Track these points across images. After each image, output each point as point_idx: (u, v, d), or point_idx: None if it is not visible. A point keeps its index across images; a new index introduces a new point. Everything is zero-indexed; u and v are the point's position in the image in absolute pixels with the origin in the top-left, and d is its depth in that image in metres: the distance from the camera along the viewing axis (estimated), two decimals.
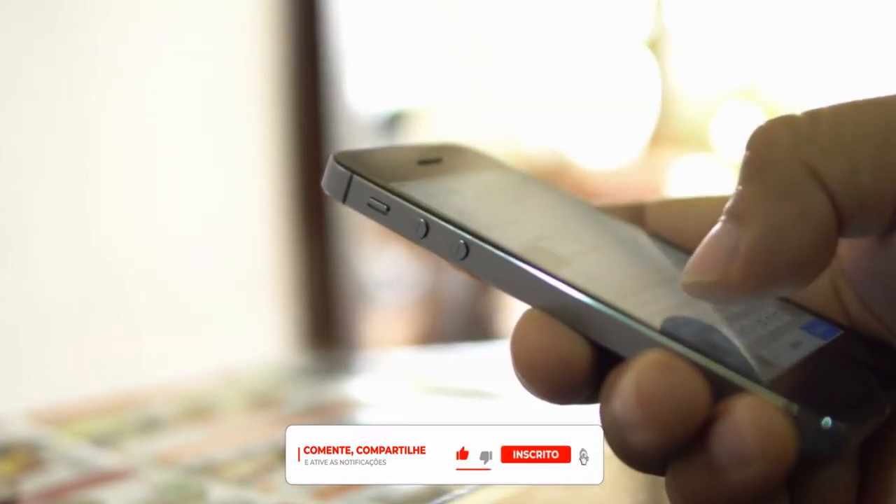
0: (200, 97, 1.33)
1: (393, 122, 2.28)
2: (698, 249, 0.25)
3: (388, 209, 0.28)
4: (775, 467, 0.22)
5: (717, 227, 0.25)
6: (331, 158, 0.28)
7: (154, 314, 1.27)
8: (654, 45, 2.76)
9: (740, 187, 0.25)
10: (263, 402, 0.51)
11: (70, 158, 1.20)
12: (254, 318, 1.41)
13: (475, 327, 1.98)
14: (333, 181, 0.28)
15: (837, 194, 0.24)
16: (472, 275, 0.28)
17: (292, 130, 1.43)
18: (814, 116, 0.25)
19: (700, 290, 0.25)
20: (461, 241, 0.27)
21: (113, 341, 1.22)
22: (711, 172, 2.47)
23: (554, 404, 0.26)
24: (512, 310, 1.93)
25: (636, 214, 0.32)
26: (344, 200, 0.28)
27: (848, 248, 0.28)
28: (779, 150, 0.24)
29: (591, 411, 0.27)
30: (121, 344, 1.23)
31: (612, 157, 2.59)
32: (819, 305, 0.29)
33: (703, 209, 0.31)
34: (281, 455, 0.42)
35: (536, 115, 2.57)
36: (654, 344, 0.24)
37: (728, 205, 0.25)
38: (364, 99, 1.69)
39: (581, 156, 2.54)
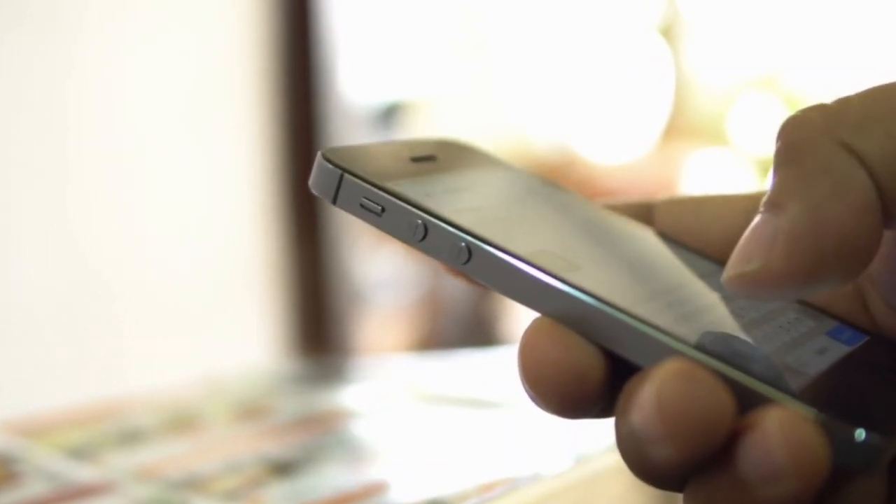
0: (186, 90, 1.33)
1: (389, 114, 2.28)
2: (738, 244, 0.25)
3: (383, 210, 0.27)
4: (807, 483, 0.22)
5: (756, 219, 0.25)
6: (318, 155, 0.28)
7: (136, 318, 1.27)
8: (668, 32, 2.76)
9: (774, 177, 0.25)
10: (251, 412, 0.51)
11: (50, 156, 1.20)
12: (241, 323, 1.41)
13: (477, 332, 1.98)
14: (322, 180, 0.28)
15: (876, 167, 0.24)
16: (474, 281, 0.28)
17: (283, 124, 1.43)
18: (843, 100, 0.25)
19: (742, 283, 0.24)
20: (463, 244, 0.26)
21: (93, 347, 1.22)
22: (728, 167, 2.47)
23: (564, 419, 0.26)
24: (516, 314, 1.93)
25: (644, 213, 0.32)
26: (334, 201, 0.28)
27: None
28: (811, 132, 0.25)
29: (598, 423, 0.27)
30: (101, 350, 1.23)
31: (622, 151, 2.59)
32: (842, 310, 0.29)
33: (717, 208, 0.31)
34: (269, 468, 0.42)
35: (541, 106, 2.57)
36: (674, 353, 0.24)
37: (764, 197, 0.25)
38: (358, 90, 1.69)
39: (589, 150, 2.54)
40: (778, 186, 0.24)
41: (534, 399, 0.25)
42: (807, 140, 0.25)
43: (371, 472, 0.43)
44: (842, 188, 0.24)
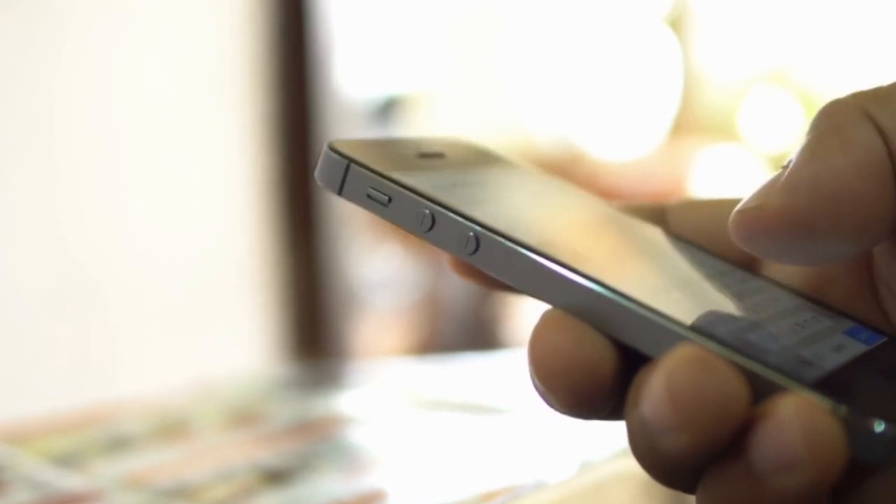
0: (178, 85, 1.33)
1: (388, 109, 2.28)
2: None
3: (390, 200, 0.28)
4: (823, 474, 0.22)
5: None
6: (325, 146, 0.29)
7: (125, 321, 1.27)
8: (676, 24, 2.76)
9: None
10: (243, 418, 0.51)
11: (38, 154, 1.20)
12: (234, 326, 1.41)
13: (478, 335, 1.98)
14: (328, 171, 0.28)
15: (893, 136, 0.25)
16: (480, 277, 0.28)
17: (277, 119, 1.43)
18: (877, 87, 0.26)
19: (741, 221, 0.25)
20: (471, 234, 0.27)
21: (80, 351, 1.22)
22: (739, 164, 2.47)
23: (574, 417, 0.26)
24: (518, 316, 1.93)
25: (657, 216, 0.32)
26: (340, 192, 0.28)
27: (887, 253, 0.28)
28: (839, 104, 0.26)
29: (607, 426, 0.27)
30: (89, 354, 1.23)
31: (628, 147, 2.59)
32: (859, 312, 0.29)
33: (731, 212, 0.31)
34: (262, 477, 0.42)
35: (544, 100, 2.57)
36: (687, 342, 0.24)
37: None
38: (355, 84, 1.69)
39: (594, 146, 2.54)
40: (795, 151, 0.25)
41: (543, 395, 0.26)
42: (832, 111, 0.26)
43: (368, 481, 0.43)
44: (850, 147, 0.25)
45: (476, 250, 0.27)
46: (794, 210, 0.25)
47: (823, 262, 0.28)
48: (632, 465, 0.25)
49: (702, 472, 0.24)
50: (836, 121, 0.25)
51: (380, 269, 2.02)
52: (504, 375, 0.57)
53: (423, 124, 2.27)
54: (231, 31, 1.39)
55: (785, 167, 0.25)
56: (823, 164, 0.25)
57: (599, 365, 0.25)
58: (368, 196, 0.28)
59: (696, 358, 0.23)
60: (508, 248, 0.26)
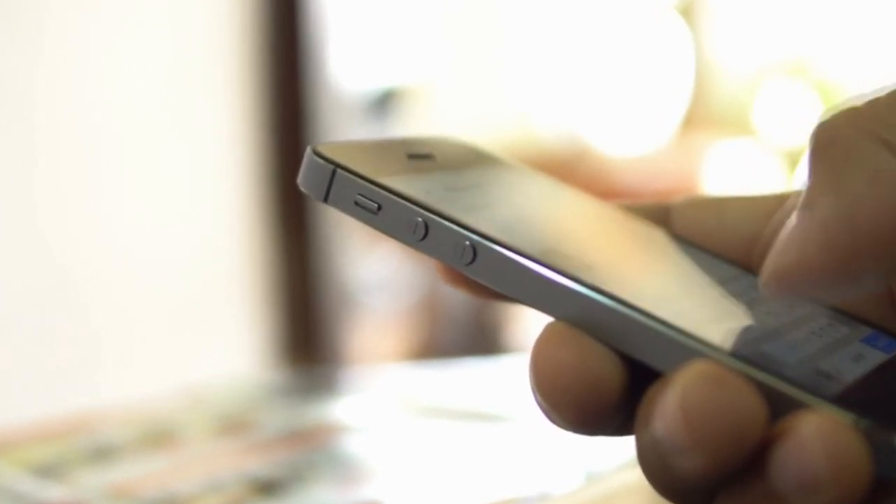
0: (164, 78, 1.33)
1: (384, 102, 2.28)
2: (772, 247, 0.26)
3: (380, 207, 0.27)
4: (848, 493, 0.22)
5: (789, 221, 0.25)
6: (308, 151, 0.28)
7: (110, 324, 1.28)
8: (687, 12, 2.76)
9: (808, 179, 0.25)
10: (233, 426, 0.51)
11: (18, 152, 1.20)
12: (223, 330, 1.41)
13: (479, 339, 1.98)
14: (313, 177, 0.28)
15: None
16: (475, 288, 0.28)
17: (269, 114, 1.43)
18: (871, 101, 0.26)
19: (780, 280, 0.25)
20: (467, 243, 0.27)
21: (63, 355, 1.22)
22: (753, 160, 2.47)
23: (580, 434, 0.26)
24: (521, 320, 1.93)
25: (661, 216, 0.32)
26: (325, 199, 0.28)
27: None
28: (841, 129, 0.25)
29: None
30: (72, 359, 1.23)
31: (637, 142, 2.59)
32: (877, 318, 0.29)
33: (739, 210, 0.31)
34: (253, 487, 0.42)
35: (550, 93, 2.58)
36: (700, 356, 0.24)
37: (799, 201, 0.25)
38: (350, 77, 1.70)
39: (601, 141, 2.54)
40: (811, 186, 0.25)
41: (547, 411, 0.25)
42: (838, 136, 0.25)
43: (364, 492, 0.43)
44: (876, 179, 0.24)
45: (473, 260, 0.27)
46: (834, 260, 0.24)
47: (866, 292, 0.28)
48: (639, 477, 0.25)
49: (716, 492, 0.24)
50: (851, 150, 0.25)
51: (376, 270, 2.02)
52: (506, 382, 0.57)
53: (422, 118, 2.27)
54: (220, 23, 1.39)
55: (803, 206, 0.25)
56: (855, 205, 0.24)
57: (605, 380, 0.25)
58: (356, 203, 0.28)
59: (711, 374, 0.23)
60: (508, 257, 0.26)
